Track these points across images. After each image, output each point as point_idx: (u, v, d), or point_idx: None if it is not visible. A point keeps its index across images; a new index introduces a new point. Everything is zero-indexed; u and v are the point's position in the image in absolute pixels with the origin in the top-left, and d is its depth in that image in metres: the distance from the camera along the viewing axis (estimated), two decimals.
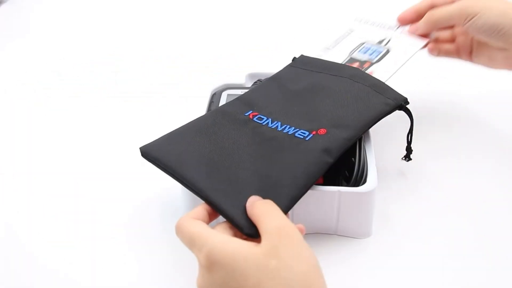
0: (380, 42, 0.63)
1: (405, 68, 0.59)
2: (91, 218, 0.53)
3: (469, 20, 0.55)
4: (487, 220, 0.52)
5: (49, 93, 0.75)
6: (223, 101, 0.58)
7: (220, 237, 0.38)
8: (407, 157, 0.55)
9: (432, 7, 0.60)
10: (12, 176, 0.59)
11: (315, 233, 0.51)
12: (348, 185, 0.49)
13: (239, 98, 0.53)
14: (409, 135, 0.54)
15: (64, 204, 0.55)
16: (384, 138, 0.59)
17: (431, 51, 0.64)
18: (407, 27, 0.63)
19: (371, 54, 0.61)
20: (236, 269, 0.36)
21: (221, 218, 0.42)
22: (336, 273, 0.47)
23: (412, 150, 0.55)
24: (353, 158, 0.50)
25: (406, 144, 0.54)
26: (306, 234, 0.50)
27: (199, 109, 0.57)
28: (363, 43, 0.63)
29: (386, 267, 0.48)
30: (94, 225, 0.52)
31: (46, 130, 0.67)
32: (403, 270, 0.48)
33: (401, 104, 0.52)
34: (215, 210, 0.42)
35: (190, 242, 0.39)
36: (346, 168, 0.51)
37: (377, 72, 0.58)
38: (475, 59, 0.62)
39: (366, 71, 0.58)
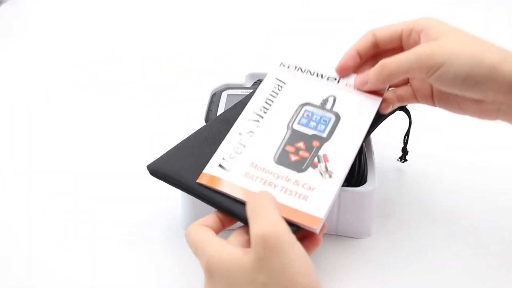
0: (324, 103, 0.48)
1: None
2: (91, 218, 0.53)
3: (434, 73, 0.42)
4: (487, 220, 0.52)
5: (49, 93, 0.75)
6: (223, 101, 0.58)
7: (217, 246, 0.38)
8: (403, 158, 0.55)
9: (376, 46, 0.48)
10: (12, 176, 0.59)
11: None
12: (348, 185, 0.49)
13: (239, 104, 0.52)
14: (406, 137, 0.54)
15: (64, 204, 0.55)
16: (384, 138, 0.59)
17: (383, 110, 0.47)
18: (351, 78, 0.49)
19: (317, 125, 0.46)
20: (231, 282, 0.36)
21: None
22: (336, 273, 0.47)
23: (407, 152, 0.54)
24: None
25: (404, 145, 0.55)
26: None
27: (199, 109, 0.57)
28: (303, 106, 0.48)
29: (386, 267, 0.48)
30: (94, 226, 0.52)
31: (46, 130, 0.67)
32: (403, 270, 0.48)
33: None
34: (229, 216, 0.42)
35: (194, 249, 0.39)
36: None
37: (333, 157, 0.44)
38: (438, 104, 0.47)
39: (317, 153, 0.44)
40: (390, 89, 0.48)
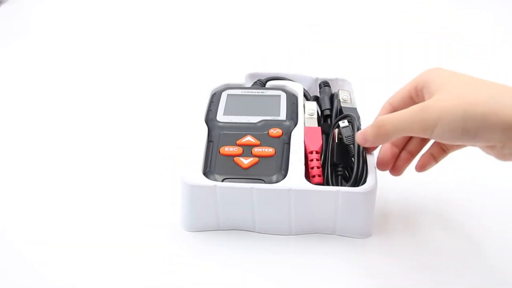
0: None
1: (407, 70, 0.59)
2: (91, 218, 0.53)
3: (432, 133, 0.41)
4: (488, 220, 0.52)
5: (49, 93, 0.75)
6: (223, 101, 0.58)
7: None
8: None
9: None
10: (12, 176, 0.59)
11: (314, 233, 0.51)
12: (347, 185, 0.49)
13: None
14: None
15: (63, 204, 0.55)
16: None
17: (420, 170, 0.50)
18: None
19: None
20: None
21: None
22: (336, 273, 0.47)
23: None
24: (352, 158, 0.50)
25: None
26: (305, 234, 0.50)
27: (199, 109, 0.57)
28: None
29: (386, 267, 0.48)
30: (94, 226, 0.52)
31: (46, 130, 0.67)
32: (403, 270, 0.47)
33: None
34: None
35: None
36: (346, 168, 0.51)
37: None
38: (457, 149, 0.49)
39: None
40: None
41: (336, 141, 0.51)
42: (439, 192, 0.56)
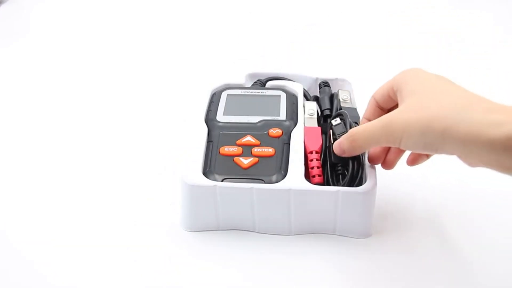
0: None
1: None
2: (90, 218, 0.53)
3: (399, 144, 0.42)
4: (488, 220, 0.52)
5: (49, 93, 0.75)
6: (223, 101, 0.58)
7: None
8: None
9: (381, 109, 0.49)
10: (12, 176, 0.59)
11: (314, 233, 0.51)
12: (341, 184, 0.49)
13: None
14: None
15: (63, 204, 0.55)
16: None
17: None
18: None
19: None
20: None
21: None
22: (336, 273, 0.47)
23: None
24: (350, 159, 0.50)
25: None
26: (305, 234, 0.50)
27: (199, 109, 0.57)
28: None
29: (386, 267, 0.48)
30: (93, 226, 0.52)
31: (46, 130, 0.67)
32: (403, 271, 0.47)
33: None
34: None
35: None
36: (345, 167, 0.50)
37: None
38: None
39: None
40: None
41: (332, 141, 0.51)
42: (439, 193, 0.56)
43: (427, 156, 0.48)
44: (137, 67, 0.81)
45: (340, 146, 0.48)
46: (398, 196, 0.55)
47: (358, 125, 0.50)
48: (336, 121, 0.52)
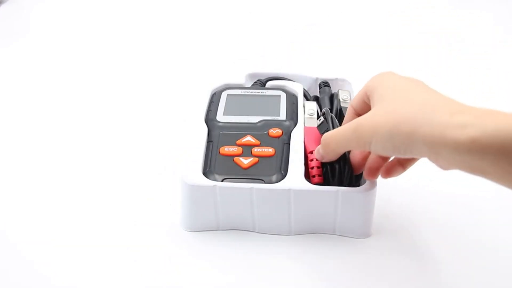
0: None
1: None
2: (90, 218, 0.53)
3: (369, 147, 0.42)
4: (488, 220, 0.52)
5: (49, 93, 0.75)
6: (223, 101, 0.58)
7: None
8: None
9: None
10: (12, 176, 0.59)
11: (314, 233, 0.51)
12: (347, 185, 0.49)
13: None
14: None
15: (63, 204, 0.55)
16: None
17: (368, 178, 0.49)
18: None
19: None
20: None
21: None
22: (335, 273, 0.47)
23: None
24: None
25: None
26: (304, 234, 0.50)
27: (199, 109, 0.57)
28: None
29: (386, 267, 0.48)
30: (93, 226, 0.52)
31: (45, 130, 0.67)
32: (403, 271, 0.47)
33: None
34: None
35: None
36: (340, 162, 0.49)
37: None
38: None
39: None
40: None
41: None
42: (439, 193, 0.56)
43: (403, 167, 0.47)
44: (137, 67, 0.81)
45: (318, 152, 0.48)
46: (398, 196, 0.55)
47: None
48: (320, 121, 0.51)
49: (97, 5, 1.01)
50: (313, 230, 0.50)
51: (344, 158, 0.49)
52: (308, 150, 0.52)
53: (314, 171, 0.50)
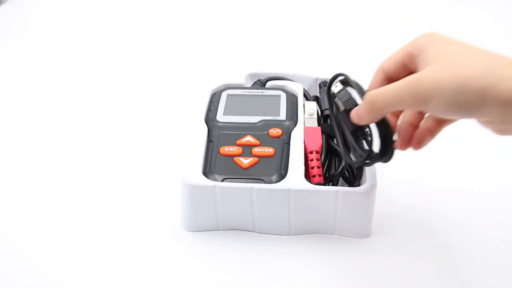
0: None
1: None
2: (90, 218, 0.53)
3: (427, 107, 0.38)
4: (488, 220, 0.52)
5: (49, 93, 0.75)
6: (223, 101, 0.58)
7: None
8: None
9: (391, 81, 0.42)
10: (12, 176, 0.59)
11: (314, 233, 0.51)
12: (347, 185, 0.49)
13: None
14: None
15: (63, 204, 0.55)
16: None
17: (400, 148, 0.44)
18: None
19: None
20: None
21: None
22: (335, 273, 0.47)
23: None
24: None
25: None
26: (304, 234, 0.50)
27: (199, 109, 0.57)
28: None
29: (385, 267, 0.48)
30: (94, 226, 0.52)
31: (46, 130, 0.67)
32: (402, 271, 0.48)
33: None
34: None
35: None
36: (363, 130, 0.45)
37: None
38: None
39: None
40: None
41: (339, 109, 0.45)
42: (439, 193, 0.56)
43: (431, 134, 0.43)
44: (137, 67, 0.81)
45: (358, 113, 0.41)
46: (398, 196, 0.55)
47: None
48: (336, 88, 0.44)
49: (97, 5, 1.01)
50: (313, 230, 0.50)
51: (385, 122, 0.41)
52: (308, 150, 0.52)
53: (314, 171, 0.50)
